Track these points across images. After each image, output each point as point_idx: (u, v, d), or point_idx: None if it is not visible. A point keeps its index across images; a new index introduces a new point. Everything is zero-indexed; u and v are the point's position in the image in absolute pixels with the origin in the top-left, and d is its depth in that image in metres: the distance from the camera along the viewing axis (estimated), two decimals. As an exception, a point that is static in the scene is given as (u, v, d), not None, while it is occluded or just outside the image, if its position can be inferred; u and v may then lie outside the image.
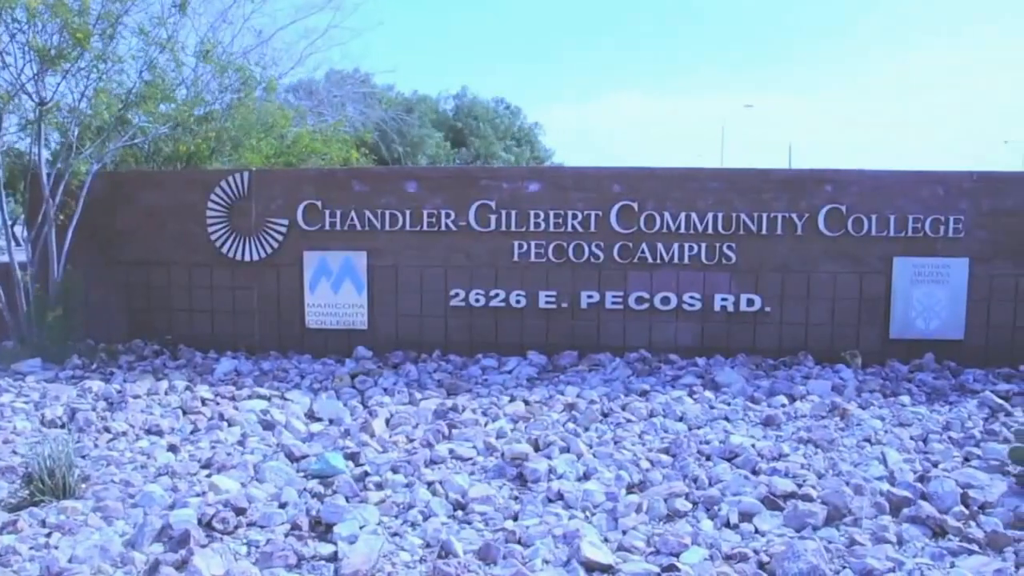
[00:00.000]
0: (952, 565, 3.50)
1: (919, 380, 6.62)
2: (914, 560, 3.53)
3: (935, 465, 4.68)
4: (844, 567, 3.49)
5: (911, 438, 5.20)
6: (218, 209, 7.55)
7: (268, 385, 6.49)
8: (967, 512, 4.01)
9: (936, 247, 7.19)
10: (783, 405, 5.86)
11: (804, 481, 4.37)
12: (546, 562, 3.54)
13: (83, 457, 4.75)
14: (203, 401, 6.00)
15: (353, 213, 7.46)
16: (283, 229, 7.52)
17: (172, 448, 4.99)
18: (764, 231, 7.24)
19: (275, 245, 7.54)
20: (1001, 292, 7.21)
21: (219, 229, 7.57)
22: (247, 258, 7.56)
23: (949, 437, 5.23)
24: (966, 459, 4.81)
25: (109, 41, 7.38)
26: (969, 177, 7.23)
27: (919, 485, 4.28)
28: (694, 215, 7.26)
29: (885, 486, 4.29)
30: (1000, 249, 7.17)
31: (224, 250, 7.58)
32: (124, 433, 5.26)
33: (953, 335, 7.24)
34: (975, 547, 3.65)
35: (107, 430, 5.29)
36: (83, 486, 4.29)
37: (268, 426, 5.44)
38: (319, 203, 7.48)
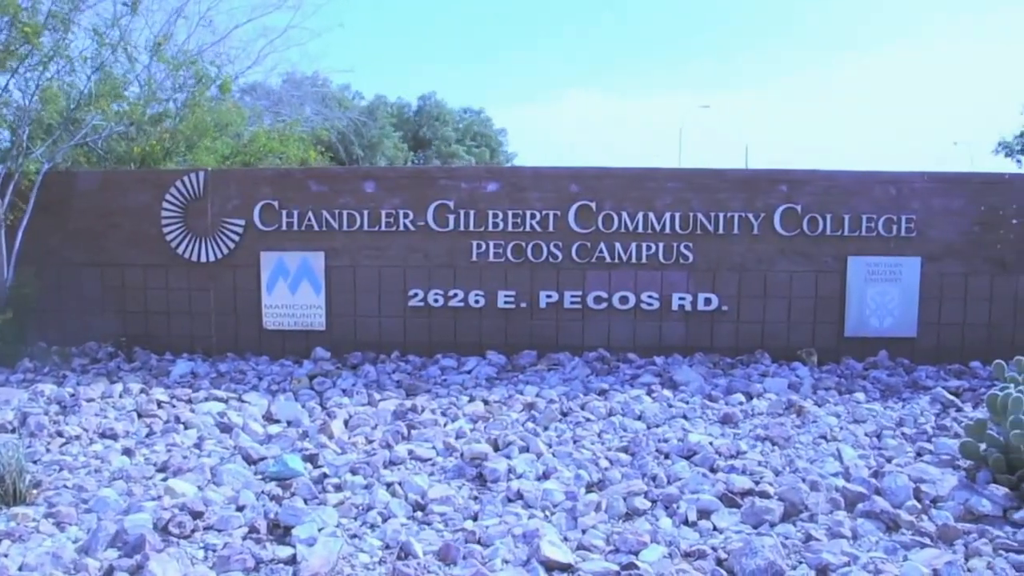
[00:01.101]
0: (905, 558, 3.56)
1: (873, 377, 6.73)
2: (868, 554, 3.58)
3: (889, 461, 4.77)
4: (800, 562, 3.54)
5: (866, 434, 5.28)
6: (173, 209, 7.44)
7: (225, 387, 6.41)
8: (919, 506, 4.09)
9: (889, 246, 7.31)
10: (740, 403, 5.92)
11: (761, 478, 4.42)
12: (506, 562, 3.54)
13: (34, 462, 4.66)
14: (159, 404, 5.91)
15: (310, 213, 7.39)
16: (239, 230, 7.43)
17: (127, 452, 4.91)
18: (721, 231, 7.31)
19: (231, 246, 7.45)
20: (951, 290, 7.35)
21: (174, 230, 7.45)
22: (203, 259, 7.46)
23: (902, 433, 5.33)
24: (918, 454, 4.90)
25: (60, 39, 7.23)
26: (920, 177, 7.36)
27: (873, 480, 4.35)
28: (651, 215, 7.30)
29: (840, 482, 4.36)
30: (950, 248, 7.31)
31: (180, 251, 7.47)
32: (77, 437, 5.16)
33: (906, 333, 7.36)
34: (927, 540, 3.73)
35: (60, 434, 5.19)
36: (34, 492, 4.20)
37: (225, 428, 5.37)
38: (276, 203, 7.41)
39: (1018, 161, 24.12)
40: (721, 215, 7.30)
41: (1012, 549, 3.64)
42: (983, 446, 4.54)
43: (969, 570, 3.45)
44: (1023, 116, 23.67)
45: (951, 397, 6.06)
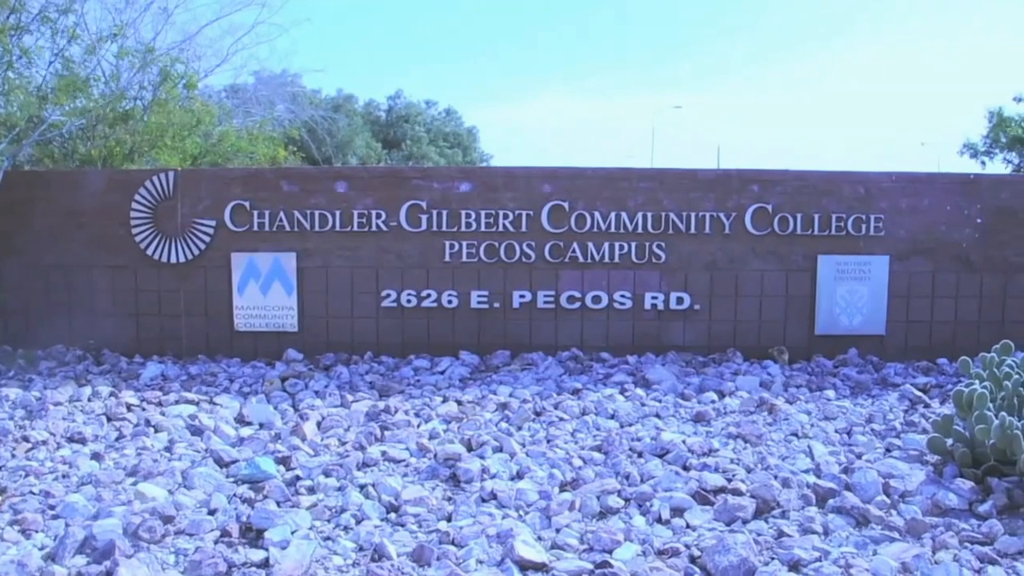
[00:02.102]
0: (875, 553, 3.61)
1: (843, 375, 6.80)
2: (839, 549, 3.62)
3: (859, 457, 4.82)
4: (773, 558, 3.57)
5: (836, 431, 5.34)
6: (142, 210, 7.35)
7: (196, 390, 6.35)
8: (888, 501, 4.14)
9: (858, 245, 7.39)
10: (713, 401, 5.96)
11: (734, 476, 4.45)
12: (480, 562, 3.54)
13: None
14: (128, 407, 5.84)
15: (282, 214, 7.34)
16: (210, 230, 7.36)
17: (96, 456, 4.85)
18: (693, 230, 7.35)
19: (202, 246, 7.38)
20: (919, 288, 7.44)
21: (144, 230, 7.37)
22: (173, 260, 7.39)
23: (872, 429, 5.39)
24: (888, 450, 4.96)
25: (13, 32, 7.11)
26: (888, 177, 7.44)
27: (844, 477, 4.40)
28: (624, 215, 7.33)
29: (811, 478, 4.40)
30: (918, 247, 7.41)
31: (149, 252, 7.38)
32: (44, 442, 5.08)
33: (875, 331, 7.45)
34: (896, 535, 3.78)
35: (26, 439, 5.10)
36: None
37: (196, 431, 5.32)
38: (247, 203, 7.35)
39: (983, 163, 24.47)
40: (693, 215, 7.34)
41: (977, 541, 3.71)
42: (950, 441, 4.61)
43: (936, 563, 3.50)
44: (987, 119, 23.93)
45: (919, 394, 6.14)
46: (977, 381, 4.79)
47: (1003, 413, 4.32)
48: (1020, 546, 3.66)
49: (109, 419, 5.59)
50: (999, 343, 5.04)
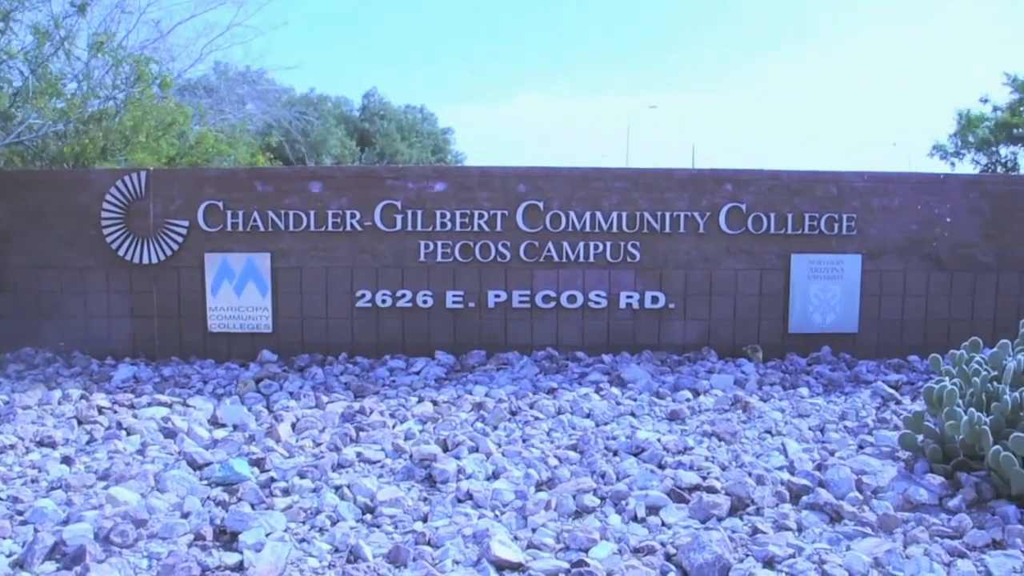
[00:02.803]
0: (848, 548, 3.64)
1: (817, 372, 6.86)
2: (813, 546, 3.65)
3: (832, 454, 4.86)
4: (747, 555, 3.59)
5: (809, 428, 5.38)
6: (114, 210, 7.28)
7: (169, 392, 6.29)
8: (861, 497, 4.18)
9: (831, 244, 7.46)
10: (687, 400, 5.98)
11: (708, 473, 4.47)
12: (456, 562, 3.53)
13: (-33, 473, 4.52)
14: (100, 410, 5.78)
15: (256, 214, 7.29)
16: (183, 231, 7.30)
17: (66, 460, 4.79)
18: (667, 229, 7.38)
19: (175, 247, 7.31)
20: (890, 287, 7.52)
21: (115, 231, 7.29)
22: (145, 260, 7.31)
23: (845, 426, 5.44)
24: (860, 447, 5.01)
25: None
26: (860, 177, 7.52)
27: (817, 473, 4.44)
28: (599, 214, 7.35)
29: (785, 475, 4.44)
30: (889, 246, 7.48)
31: (121, 252, 7.31)
32: (12, 446, 5.01)
33: (848, 329, 7.52)
34: (868, 530, 3.82)
35: (-6, 443, 5.03)
36: (-33, 504, 4.07)
37: (169, 434, 5.27)
38: (220, 204, 7.29)
39: (952, 163, 24.79)
40: (668, 214, 7.37)
41: (946, 535, 3.76)
42: (920, 437, 4.67)
43: (907, 557, 3.53)
44: (955, 119, 24.27)
45: (891, 391, 6.21)
46: (947, 378, 4.84)
47: (972, 409, 4.37)
48: (988, 539, 3.72)
49: (80, 422, 5.52)
50: (968, 340, 5.09)
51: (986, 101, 23.50)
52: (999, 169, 23.43)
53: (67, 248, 7.35)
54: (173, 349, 7.41)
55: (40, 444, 5.09)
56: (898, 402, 6.02)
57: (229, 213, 7.29)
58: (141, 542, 3.70)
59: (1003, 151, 23.69)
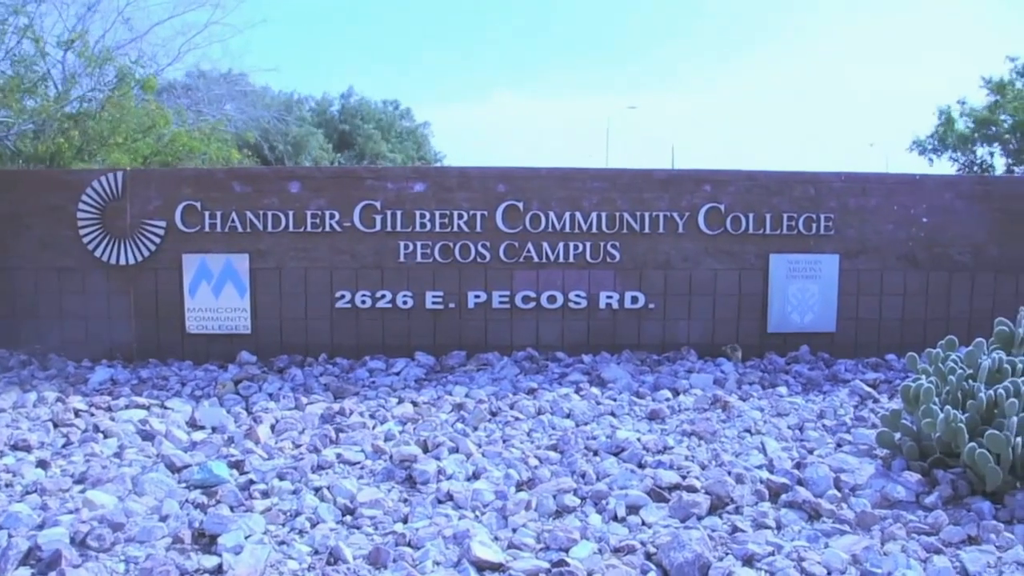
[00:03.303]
0: (826, 546, 3.66)
1: (795, 371, 6.90)
2: (792, 543, 3.67)
3: (810, 452, 4.89)
4: (727, 554, 3.61)
5: (788, 427, 5.41)
6: (90, 211, 7.21)
7: (147, 394, 6.24)
8: (839, 495, 4.21)
9: (809, 244, 7.51)
10: (667, 399, 6.00)
11: (688, 472, 4.49)
12: (437, 563, 3.52)
13: (-59, 477, 4.46)
14: (76, 413, 5.72)
15: (234, 214, 7.25)
16: (160, 231, 7.24)
17: (42, 464, 4.73)
18: (647, 230, 7.41)
19: (152, 248, 7.25)
20: (868, 286, 7.59)
21: (91, 231, 7.23)
22: (122, 261, 7.25)
23: (823, 425, 5.48)
24: (838, 445, 5.04)
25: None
26: (838, 177, 7.57)
27: (796, 472, 4.47)
28: (579, 214, 7.36)
29: (764, 474, 4.46)
30: (866, 245, 7.54)
31: (97, 253, 7.24)
32: (-12, 449, 4.95)
33: (826, 328, 7.57)
34: (847, 527, 3.85)
35: (-32, 447, 4.97)
36: (-60, 509, 4.01)
37: (147, 436, 5.23)
38: (198, 204, 7.24)
39: (930, 160, 25.04)
40: (647, 214, 7.40)
41: (923, 532, 3.80)
42: (898, 435, 4.71)
43: (885, 554, 3.57)
44: (936, 116, 24.55)
45: (868, 389, 6.26)
46: (923, 376, 4.89)
47: (948, 407, 4.41)
48: (963, 535, 3.76)
49: (56, 425, 5.46)
50: (944, 339, 5.14)
51: (964, 103, 23.79)
52: (975, 169, 23.70)
53: (43, 249, 7.27)
54: (151, 351, 7.35)
55: (15, 448, 5.02)
56: (876, 400, 6.07)
57: (207, 213, 7.25)
58: (118, 546, 3.66)
59: (980, 151, 23.98)
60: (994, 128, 22.47)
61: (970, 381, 4.64)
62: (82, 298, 7.33)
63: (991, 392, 4.37)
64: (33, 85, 7.69)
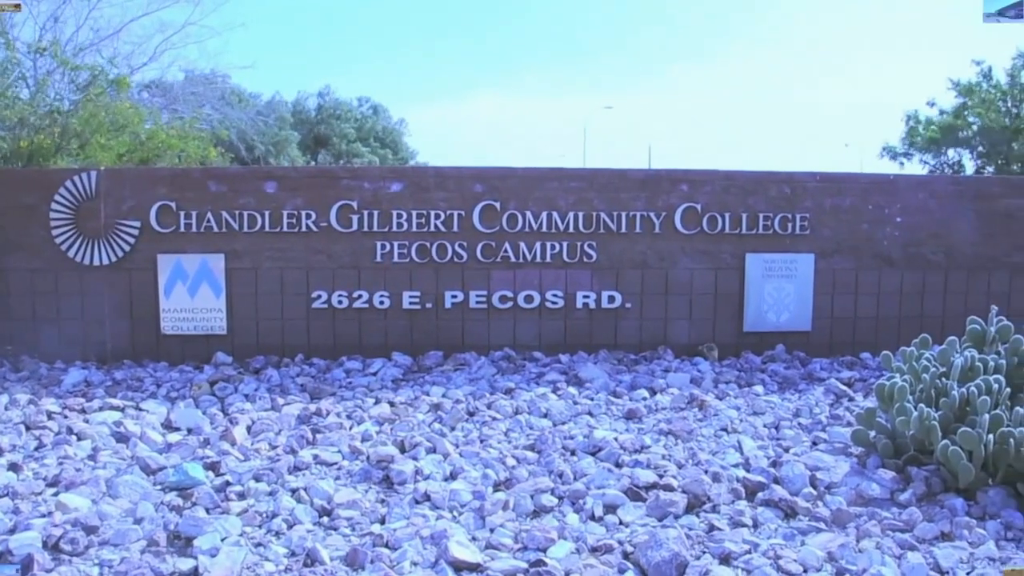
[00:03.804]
0: (802, 543, 3.69)
1: (771, 370, 6.94)
2: (768, 541, 3.69)
3: (786, 450, 4.93)
4: (704, 552, 3.62)
5: (764, 426, 5.44)
6: (63, 210, 7.12)
7: (121, 395, 6.18)
8: (815, 493, 4.25)
9: (785, 243, 7.55)
10: (644, 398, 6.02)
11: (665, 471, 4.50)
12: (414, 564, 3.52)
13: (-90, 481, 4.39)
14: (49, 415, 5.65)
15: (210, 214, 7.19)
16: (135, 231, 7.17)
17: (13, 467, 4.66)
18: (624, 229, 7.42)
19: (127, 248, 7.18)
20: (843, 285, 7.65)
21: (64, 232, 7.14)
22: (96, 262, 7.17)
23: (799, 423, 5.52)
24: (814, 443, 5.08)
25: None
26: (813, 177, 7.63)
27: (772, 470, 4.50)
28: (555, 214, 7.36)
29: (741, 472, 4.48)
30: (841, 245, 7.60)
31: (71, 254, 7.15)
32: (-42, 453, 4.88)
33: (801, 327, 7.62)
34: (822, 525, 3.88)
35: (-62, 451, 4.89)
36: (-91, 514, 3.95)
37: (122, 438, 5.17)
38: (173, 204, 7.18)
39: (901, 163, 25.31)
40: (624, 214, 7.41)
41: (897, 529, 3.84)
42: (872, 433, 4.76)
43: (860, 551, 3.60)
44: (904, 122, 24.82)
45: (844, 388, 6.31)
46: (898, 375, 4.93)
47: (922, 405, 4.46)
48: (936, 532, 3.80)
49: (28, 428, 5.39)
50: (918, 338, 5.19)
51: (933, 105, 24.04)
52: (946, 170, 23.96)
53: (14, 249, 7.18)
54: (125, 352, 7.27)
55: (-14, 450, 4.96)
56: (851, 399, 6.12)
57: (182, 213, 7.18)
58: (92, 549, 3.63)
59: (950, 152, 24.25)
60: (962, 132, 22.74)
61: (943, 379, 4.69)
62: (55, 299, 7.24)
63: (964, 390, 4.42)
64: (6, 89, 7.59)
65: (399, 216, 7.29)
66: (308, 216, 7.24)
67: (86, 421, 5.53)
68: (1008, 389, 4.46)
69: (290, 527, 3.88)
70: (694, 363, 7.13)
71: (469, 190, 7.35)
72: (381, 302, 7.35)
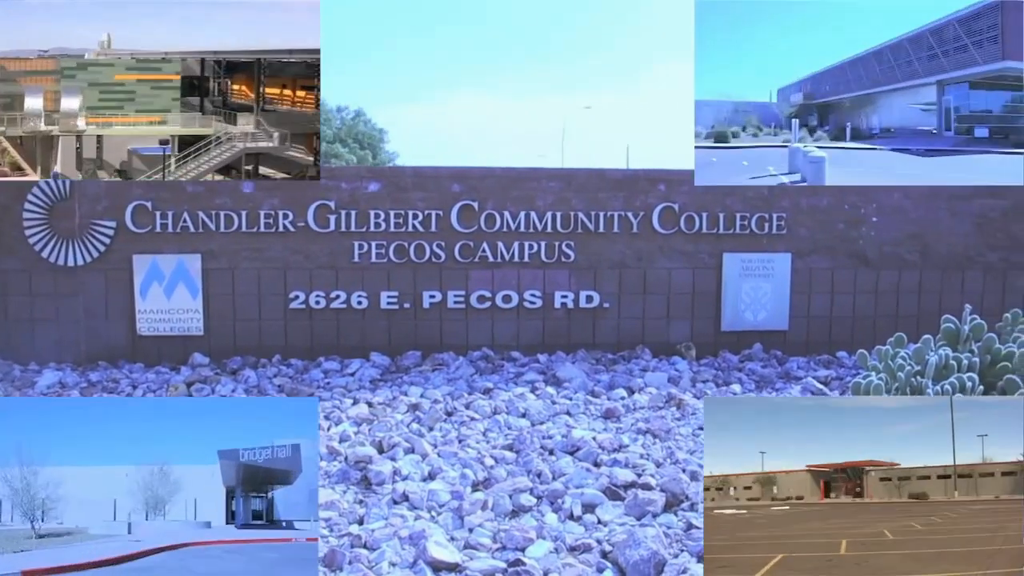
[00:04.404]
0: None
1: (749, 369, 6.98)
2: (744, 540, 3.71)
3: (762, 449, 4.94)
4: (682, 551, 3.63)
5: (740, 424, 5.45)
6: (36, 210, 7.03)
7: (97, 397, 6.10)
8: (791, 492, 4.26)
9: (762, 243, 7.59)
10: (622, 398, 6.03)
11: (643, 471, 4.51)
12: (393, 564, 3.51)
13: None
14: (21, 417, 5.58)
15: (186, 214, 7.13)
16: (110, 232, 7.09)
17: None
18: (601, 229, 7.43)
19: (102, 248, 7.10)
20: (819, 285, 7.69)
21: (38, 232, 7.05)
22: (71, 263, 7.09)
23: (774, 422, 5.54)
24: (789, 442, 5.10)
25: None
26: (788, 177, 7.67)
27: (748, 468, 4.51)
28: (533, 214, 7.36)
29: (717, 471, 4.49)
30: (817, 245, 7.65)
31: (45, 254, 7.07)
32: (-71, 455, 4.81)
33: (778, 326, 7.66)
34: (798, 524, 3.89)
35: (-91, 453, 4.83)
36: None
37: (94, 440, 5.12)
38: (149, 204, 7.11)
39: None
40: (602, 214, 7.42)
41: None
42: (848, 432, 4.78)
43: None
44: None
45: (820, 386, 6.36)
46: (873, 373, 4.96)
47: (897, 403, 4.49)
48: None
49: (1, 429, 5.33)
50: (893, 336, 5.23)
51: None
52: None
53: (-13, 250, 7.09)
54: (101, 353, 7.19)
55: (-42, 453, 4.90)
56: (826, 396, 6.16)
57: (158, 214, 7.12)
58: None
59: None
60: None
61: (918, 378, 4.73)
62: (29, 300, 7.15)
63: (938, 387, 4.45)
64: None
65: (377, 216, 7.25)
66: (285, 216, 7.20)
67: (60, 423, 5.47)
68: (982, 387, 4.51)
69: (267, 528, 3.86)
70: (672, 362, 7.15)
71: (447, 190, 7.33)
72: (359, 302, 7.32)
